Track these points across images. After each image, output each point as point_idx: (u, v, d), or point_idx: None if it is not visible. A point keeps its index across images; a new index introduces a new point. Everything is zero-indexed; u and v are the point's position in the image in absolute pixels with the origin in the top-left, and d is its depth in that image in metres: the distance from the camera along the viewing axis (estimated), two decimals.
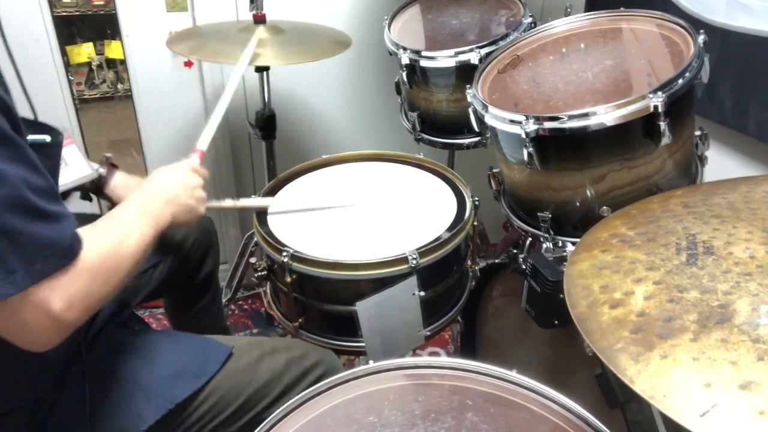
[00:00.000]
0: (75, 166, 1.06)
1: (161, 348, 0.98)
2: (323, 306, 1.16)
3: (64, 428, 0.87)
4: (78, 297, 0.69)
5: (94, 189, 1.11)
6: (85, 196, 1.12)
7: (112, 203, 1.11)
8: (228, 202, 1.20)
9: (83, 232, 0.72)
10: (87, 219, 0.81)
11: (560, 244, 1.09)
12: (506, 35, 1.37)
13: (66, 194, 1.08)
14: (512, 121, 1.02)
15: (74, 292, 0.68)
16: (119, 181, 1.12)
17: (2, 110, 0.63)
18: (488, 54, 1.31)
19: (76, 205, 1.12)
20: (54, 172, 0.80)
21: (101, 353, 0.93)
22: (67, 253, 0.68)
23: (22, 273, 0.63)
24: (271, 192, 1.34)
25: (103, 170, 1.10)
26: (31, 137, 0.71)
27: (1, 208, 0.62)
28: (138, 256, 0.79)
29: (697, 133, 1.09)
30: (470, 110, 1.15)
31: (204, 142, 1.12)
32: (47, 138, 0.77)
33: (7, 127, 0.63)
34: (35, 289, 0.65)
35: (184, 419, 0.92)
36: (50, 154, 0.78)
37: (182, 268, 1.33)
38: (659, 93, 0.91)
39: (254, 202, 1.27)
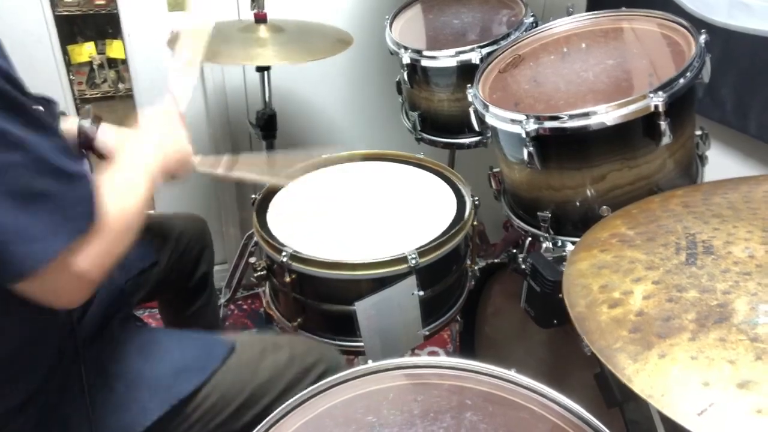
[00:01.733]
0: None
1: (164, 343, 0.98)
2: (322, 306, 1.16)
3: (69, 424, 0.86)
4: (98, 255, 0.69)
5: (84, 144, 1.09)
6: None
7: (101, 157, 1.09)
8: (223, 167, 1.11)
9: None
10: None
11: (560, 243, 1.09)
12: (507, 35, 1.37)
13: None
14: (513, 121, 1.02)
15: (96, 251, 0.69)
16: (106, 134, 1.10)
17: (7, 79, 0.62)
18: (489, 53, 1.30)
19: None
20: None
21: (102, 348, 0.93)
22: (91, 213, 0.68)
23: (52, 239, 0.63)
24: (271, 191, 1.34)
25: (87, 123, 1.08)
26: None
27: (28, 173, 0.61)
28: (141, 214, 0.79)
29: (698, 132, 1.09)
30: (471, 110, 1.15)
31: (182, 102, 1.06)
32: (41, 108, 0.77)
33: (18, 94, 0.63)
34: (62, 252, 0.65)
35: (187, 416, 0.92)
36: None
37: (177, 269, 1.32)
38: (660, 93, 0.91)
39: (252, 175, 1.17)
